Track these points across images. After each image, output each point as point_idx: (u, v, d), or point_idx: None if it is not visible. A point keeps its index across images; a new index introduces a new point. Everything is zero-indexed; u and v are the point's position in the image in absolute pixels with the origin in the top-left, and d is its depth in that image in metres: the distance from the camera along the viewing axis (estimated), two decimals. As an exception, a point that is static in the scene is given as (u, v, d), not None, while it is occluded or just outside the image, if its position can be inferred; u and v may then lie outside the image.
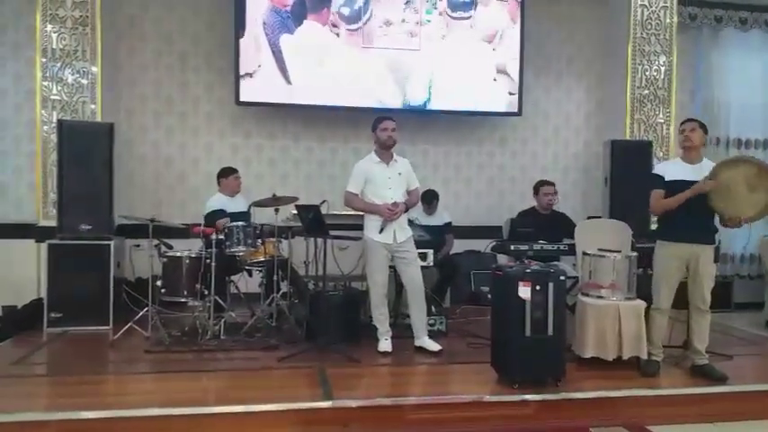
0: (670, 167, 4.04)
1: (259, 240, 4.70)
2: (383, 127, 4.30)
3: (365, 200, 4.35)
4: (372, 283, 4.35)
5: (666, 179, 3.94)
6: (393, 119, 4.38)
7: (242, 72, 5.82)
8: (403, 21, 6.07)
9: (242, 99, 5.88)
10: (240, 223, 4.67)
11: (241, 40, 5.79)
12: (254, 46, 5.82)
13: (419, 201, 4.49)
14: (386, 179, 4.30)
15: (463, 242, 5.99)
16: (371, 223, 4.31)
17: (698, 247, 3.89)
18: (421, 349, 4.34)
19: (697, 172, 3.86)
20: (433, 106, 6.18)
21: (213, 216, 4.93)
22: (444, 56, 6.16)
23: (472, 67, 6.23)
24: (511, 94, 6.31)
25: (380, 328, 4.36)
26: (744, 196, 3.77)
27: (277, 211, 4.78)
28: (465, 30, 6.20)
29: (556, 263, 4.58)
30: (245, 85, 5.83)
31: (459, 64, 6.19)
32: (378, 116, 4.46)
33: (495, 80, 6.27)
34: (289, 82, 5.90)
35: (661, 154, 6.02)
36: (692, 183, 3.83)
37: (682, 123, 4.10)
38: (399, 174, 4.37)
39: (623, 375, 3.83)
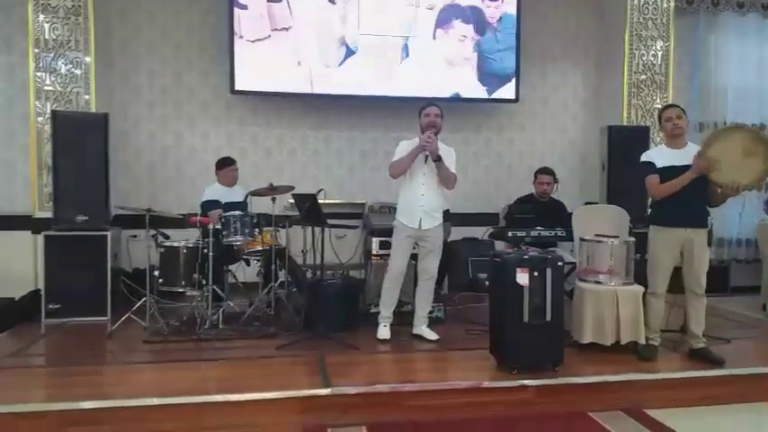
0: (658, 155, 4.01)
1: (256, 230, 4.69)
2: (426, 113, 4.30)
3: (401, 183, 4.32)
4: (390, 265, 4.36)
5: (658, 166, 3.92)
6: (437, 105, 4.34)
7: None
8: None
9: (237, 88, 5.85)
10: (237, 213, 4.65)
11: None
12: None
13: (453, 177, 4.29)
14: (421, 164, 4.25)
15: (461, 229, 5.97)
16: (400, 206, 4.34)
17: (692, 231, 3.88)
18: (418, 336, 4.36)
19: (684, 156, 3.85)
20: (428, 93, 6.15)
21: (207, 206, 4.91)
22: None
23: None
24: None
25: (383, 312, 4.37)
26: (739, 163, 3.73)
27: (274, 200, 4.76)
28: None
29: (553, 249, 4.58)
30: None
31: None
32: (426, 102, 4.44)
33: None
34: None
35: (658, 139, 6.00)
36: (684, 167, 3.80)
37: (664, 110, 4.06)
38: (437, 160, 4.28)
39: (621, 360, 3.84)
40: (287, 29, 5.91)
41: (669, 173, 3.86)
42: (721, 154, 3.74)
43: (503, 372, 3.62)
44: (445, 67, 6.19)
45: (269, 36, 5.87)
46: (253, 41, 5.83)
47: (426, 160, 4.21)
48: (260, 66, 5.86)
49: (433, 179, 4.26)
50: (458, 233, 5.93)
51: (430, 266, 4.34)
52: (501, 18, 6.23)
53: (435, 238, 4.33)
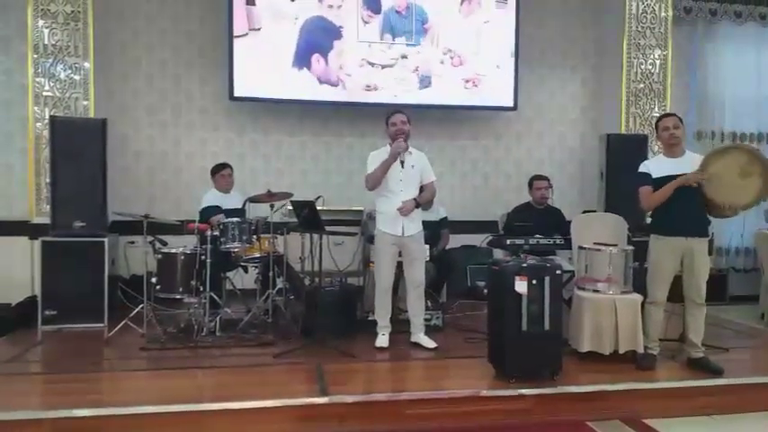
0: (655, 165, 4.02)
1: (254, 236, 4.68)
2: (392, 121, 4.33)
3: (378, 193, 4.34)
4: (377, 277, 4.34)
5: (654, 176, 3.93)
6: (403, 112, 4.39)
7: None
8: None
9: (237, 94, 5.85)
10: (235, 219, 4.64)
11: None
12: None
13: (434, 196, 4.49)
14: (397, 171, 4.28)
15: (459, 237, 5.97)
16: (380, 215, 4.34)
17: (692, 240, 3.89)
18: (417, 345, 4.34)
19: (682, 165, 3.86)
20: (426, 100, 6.17)
21: (207, 212, 4.91)
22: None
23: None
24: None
25: (380, 323, 4.35)
26: (737, 183, 3.75)
27: (272, 206, 4.76)
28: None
29: (552, 257, 4.58)
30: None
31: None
32: (390, 110, 4.47)
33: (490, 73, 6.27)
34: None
35: (657, 148, 6.01)
36: (681, 176, 3.81)
37: (661, 119, 4.06)
38: (412, 166, 4.33)
39: (620, 369, 3.83)
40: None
41: (665, 183, 3.86)
42: (718, 174, 3.75)
43: (501, 380, 3.60)
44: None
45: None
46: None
47: (402, 166, 4.27)
48: (260, 64, 5.83)
49: (411, 186, 4.31)
50: (456, 241, 5.93)
51: (417, 274, 4.34)
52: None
53: (419, 245, 4.35)
